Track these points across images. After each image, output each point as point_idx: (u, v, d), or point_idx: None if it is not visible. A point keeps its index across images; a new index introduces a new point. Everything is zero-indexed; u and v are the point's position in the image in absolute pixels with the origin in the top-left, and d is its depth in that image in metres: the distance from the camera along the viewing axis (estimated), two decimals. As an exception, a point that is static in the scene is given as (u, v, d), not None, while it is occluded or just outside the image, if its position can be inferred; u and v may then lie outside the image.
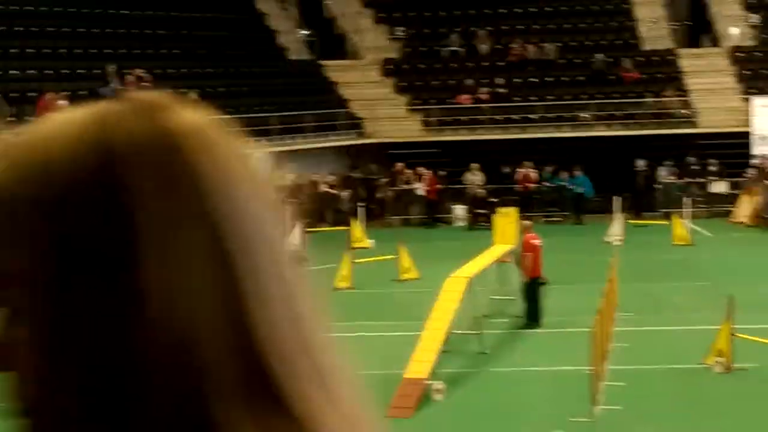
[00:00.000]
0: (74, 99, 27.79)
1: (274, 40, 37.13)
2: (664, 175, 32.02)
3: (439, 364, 15.27)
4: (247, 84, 33.90)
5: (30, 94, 28.05)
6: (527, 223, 19.59)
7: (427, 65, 36.86)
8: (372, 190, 32.50)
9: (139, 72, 30.90)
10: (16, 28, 30.88)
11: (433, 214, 31.90)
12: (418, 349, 15.24)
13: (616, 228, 27.78)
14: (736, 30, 36.68)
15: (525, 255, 18.26)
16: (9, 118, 24.83)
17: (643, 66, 35.89)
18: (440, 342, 15.56)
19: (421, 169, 32.25)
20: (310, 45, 37.82)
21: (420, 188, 32.04)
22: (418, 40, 37.79)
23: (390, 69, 36.64)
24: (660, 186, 31.89)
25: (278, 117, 32.03)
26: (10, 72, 29.57)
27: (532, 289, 18.41)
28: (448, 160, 33.06)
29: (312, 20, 38.62)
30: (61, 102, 23.10)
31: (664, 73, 35.57)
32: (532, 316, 18.41)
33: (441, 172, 32.36)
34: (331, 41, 38.08)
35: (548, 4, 38.14)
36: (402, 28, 37.72)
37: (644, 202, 31.88)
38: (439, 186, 31.92)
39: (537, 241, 18.41)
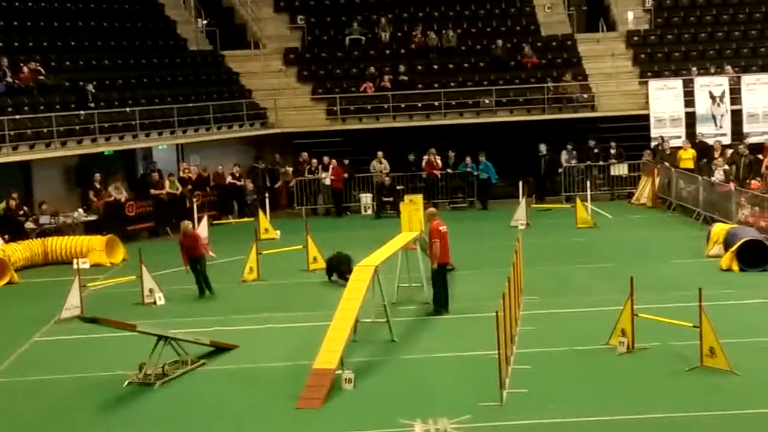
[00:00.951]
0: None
1: (173, 30, 36.66)
2: (566, 159, 32.40)
3: (348, 354, 15.24)
4: (147, 75, 33.43)
5: None
6: (432, 210, 19.53)
7: (330, 54, 36.74)
8: (276, 181, 32.29)
9: (34, 65, 30.27)
10: None
11: (340, 203, 31.80)
12: (326, 339, 15.17)
13: (521, 213, 28.04)
14: (631, 14, 37.32)
15: (433, 242, 18.26)
16: None
17: (543, 51, 36.30)
18: (348, 331, 15.51)
19: (327, 159, 32.18)
20: (210, 35, 37.39)
21: (326, 178, 31.95)
22: (320, 28, 37.68)
23: (292, 58, 36.50)
24: (562, 170, 32.25)
25: (181, 108, 31.72)
26: None
27: (440, 275, 18.44)
28: (353, 149, 33.06)
29: (211, 10, 38.25)
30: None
31: (563, 59, 36.01)
32: (440, 302, 18.44)
33: (346, 161, 32.30)
34: (231, 31, 37.77)
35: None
36: (302, 17, 37.54)
37: (548, 186, 32.30)
38: (345, 175, 31.85)
39: (443, 228, 18.40)
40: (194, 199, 29.80)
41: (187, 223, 21.46)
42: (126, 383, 15.12)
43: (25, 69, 30.08)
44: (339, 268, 21.10)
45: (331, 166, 31.70)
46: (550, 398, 13.74)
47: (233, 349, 16.78)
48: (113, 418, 13.97)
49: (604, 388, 14.21)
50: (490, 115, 33.60)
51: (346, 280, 18.03)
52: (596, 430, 12.72)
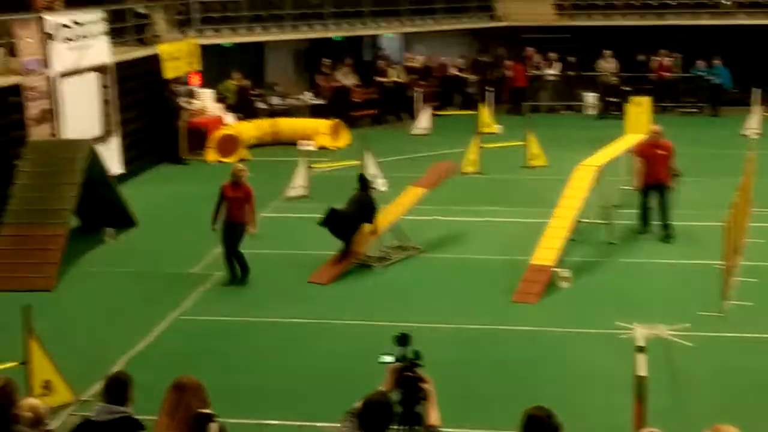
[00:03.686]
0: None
1: None
2: (811, 65, 30.71)
3: (565, 252, 15.23)
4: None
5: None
6: (655, 128, 17.85)
7: (563, -54, 35.83)
8: (501, 76, 31.95)
9: None
10: None
11: (520, 101, 31.32)
12: (544, 237, 15.20)
13: (754, 121, 26.93)
14: None
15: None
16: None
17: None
18: (568, 230, 15.48)
19: (553, 55, 31.71)
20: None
21: (550, 74, 31.58)
22: None
23: (524, -50, 35.77)
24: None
25: (407, -2, 31.81)
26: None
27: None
28: (580, 46, 32.31)
29: None
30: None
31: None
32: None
33: (571, 59, 31.73)
34: None
35: None
36: None
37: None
38: (570, 73, 31.36)
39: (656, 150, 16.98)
40: (418, 89, 30.03)
41: (240, 168, 15.39)
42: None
43: None
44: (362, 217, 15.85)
45: (555, 63, 31.29)
46: (774, 313, 13.40)
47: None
48: (335, 293, 14.54)
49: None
50: (728, 18, 32.08)
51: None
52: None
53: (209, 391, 6.55)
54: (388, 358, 6.54)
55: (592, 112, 30.83)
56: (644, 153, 16.94)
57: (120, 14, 23.52)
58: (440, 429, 6.49)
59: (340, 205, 15.84)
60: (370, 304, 14.02)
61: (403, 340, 6.57)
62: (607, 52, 31.29)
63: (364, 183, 16.19)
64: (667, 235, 16.80)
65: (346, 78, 29.43)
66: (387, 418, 6.03)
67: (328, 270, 15.24)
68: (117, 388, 6.66)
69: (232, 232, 14.70)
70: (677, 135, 18.52)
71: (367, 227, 15.61)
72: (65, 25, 19.53)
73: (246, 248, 15.30)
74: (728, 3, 32.17)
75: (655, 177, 16.70)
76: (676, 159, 17.11)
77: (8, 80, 17.93)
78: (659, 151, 16.69)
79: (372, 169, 20.77)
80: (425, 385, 6.48)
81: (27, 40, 18.41)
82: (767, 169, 20.63)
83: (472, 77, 31.88)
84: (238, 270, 14.84)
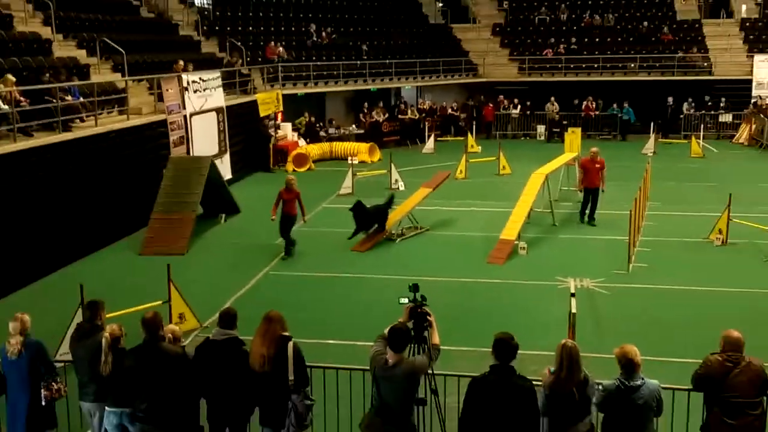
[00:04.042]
0: None
1: (420, 10, 36.33)
2: (687, 108, 30.37)
3: (523, 230, 15.18)
4: (402, 39, 33.37)
5: None
6: (594, 149, 17.00)
7: (523, 28, 35.47)
8: (480, 114, 31.77)
9: (330, 30, 30.74)
10: None
11: (489, 131, 30.99)
12: (509, 220, 15.16)
13: (651, 144, 26.69)
14: (745, 7, 34.20)
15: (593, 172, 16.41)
16: None
17: (676, 31, 33.75)
18: (525, 215, 15.44)
19: (516, 100, 31.54)
20: (444, 14, 36.82)
21: (514, 112, 31.38)
22: (517, 11, 36.37)
23: (497, 30, 35.47)
24: (683, 116, 30.29)
25: (421, 62, 31.63)
26: None
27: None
28: (534, 94, 32.05)
29: (446, -3, 37.68)
30: None
31: (691, 37, 33.38)
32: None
33: (528, 102, 31.49)
34: (458, 11, 37.01)
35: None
36: (506, 2, 36.37)
37: (671, 127, 30.41)
38: (527, 112, 31.12)
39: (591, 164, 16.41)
40: (426, 123, 29.88)
41: (291, 179, 14.46)
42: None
43: (323, 33, 30.73)
44: (377, 220, 15.57)
45: (517, 105, 31.09)
46: (662, 272, 13.26)
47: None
48: (369, 258, 14.54)
49: (702, 268, 13.54)
50: (633, 75, 31.74)
51: (380, 230, 15.52)
52: (693, 296, 12.18)
53: (288, 321, 6.58)
54: (405, 300, 6.53)
55: (541, 138, 30.59)
56: (585, 166, 16.66)
57: (231, 74, 23.59)
58: (439, 346, 6.49)
59: (372, 201, 15.84)
60: (393, 264, 14.02)
61: (414, 288, 6.56)
62: (552, 98, 31.08)
63: (390, 202, 15.98)
64: (593, 219, 16.65)
65: (378, 115, 29.41)
66: (406, 339, 6.02)
67: (365, 243, 15.25)
68: (228, 318, 6.66)
69: (286, 221, 14.38)
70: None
71: (377, 228, 15.50)
72: (195, 81, 19.63)
73: (311, 227, 15.34)
74: (633, 66, 31.85)
75: (591, 182, 16.53)
76: (605, 170, 16.84)
77: (158, 117, 18.04)
78: (596, 165, 16.46)
79: (395, 176, 20.80)
80: (430, 318, 6.48)
81: (170, 90, 18.49)
82: (658, 176, 20.56)
83: (462, 115, 31.71)
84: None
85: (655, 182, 19.28)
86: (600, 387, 5.88)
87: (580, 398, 5.73)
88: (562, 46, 33.38)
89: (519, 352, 5.77)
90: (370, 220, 15.37)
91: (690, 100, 30.60)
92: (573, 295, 8.50)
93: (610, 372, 6.15)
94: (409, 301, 6.49)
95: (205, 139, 20.06)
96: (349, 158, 23.85)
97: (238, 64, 24.75)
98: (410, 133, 29.90)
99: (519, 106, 31.49)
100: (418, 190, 17.25)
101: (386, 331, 6.09)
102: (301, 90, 27.91)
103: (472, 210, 18.34)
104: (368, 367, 6.11)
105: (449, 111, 31.76)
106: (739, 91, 30.58)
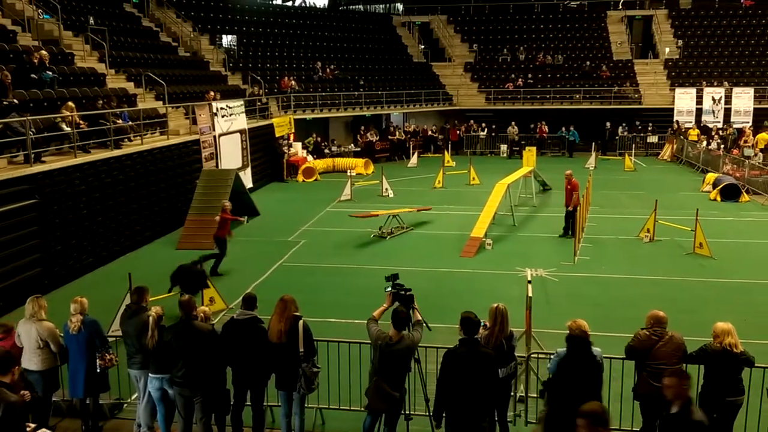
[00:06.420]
0: None
1: (405, 51, 36.30)
2: (621, 131, 30.50)
3: (489, 229, 15.18)
4: (391, 75, 33.35)
5: None
6: (568, 172, 15.53)
7: (489, 66, 35.48)
8: (453, 134, 31.74)
9: (333, 66, 30.64)
10: None
11: (458, 149, 30.92)
12: (478, 220, 15.16)
13: (592, 160, 26.72)
14: (668, 49, 34.34)
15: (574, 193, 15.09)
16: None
17: (613, 69, 33.84)
18: (491, 217, 15.44)
19: (483, 124, 31.58)
20: (425, 54, 36.82)
21: (482, 134, 31.42)
22: (484, 52, 36.38)
23: (468, 68, 35.48)
24: (618, 137, 30.39)
25: (407, 93, 31.59)
26: None
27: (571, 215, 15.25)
28: (498, 119, 32.09)
29: (427, 39, 37.55)
30: None
31: (624, 73, 33.50)
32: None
33: (493, 126, 31.54)
34: (436, 52, 37.01)
35: (558, 29, 36.14)
36: (476, 45, 36.37)
37: (609, 146, 30.52)
38: (493, 133, 31.18)
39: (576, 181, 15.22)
40: (411, 142, 29.83)
41: (225, 203, 12.92)
42: (372, 235, 15.61)
43: (327, 69, 30.65)
44: (186, 279, 10.44)
45: (485, 128, 31.06)
46: (602, 262, 13.29)
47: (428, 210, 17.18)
48: (364, 252, 14.51)
49: (634, 260, 13.58)
50: (578, 104, 31.82)
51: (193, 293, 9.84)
52: (626, 282, 12.19)
53: (299, 303, 6.57)
54: (389, 288, 6.51)
55: (504, 155, 30.60)
56: (565, 187, 15.18)
57: (252, 102, 23.49)
58: (422, 322, 6.48)
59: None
60: (384, 257, 13.97)
61: (393, 277, 6.52)
62: (513, 122, 31.11)
63: (198, 261, 11.25)
64: (566, 234, 15.00)
65: (372, 136, 29.33)
66: (406, 321, 6.06)
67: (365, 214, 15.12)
68: (249, 301, 6.63)
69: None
70: (550, 168, 18.37)
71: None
72: (222, 108, 19.54)
73: (316, 227, 15.25)
74: (578, 96, 31.94)
75: (566, 202, 15.22)
76: (578, 190, 15.29)
77: (193, 137, 17.96)
78: (568, 187, 15.22)
79: (385, 185, 20.76)
80: (413, 303, 6.47)
81: (202, 116, 18.43)
82: (598, 186, 20.60)
83: (439, 136, 31.68)
84: None
85: (595, 191, 19.36)
86: (554, 354, 5.93)
87: (507, 348, 6.08)
88: (520, 80, 33.41)
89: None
90: (186, 279, 10.49)
91: (624, 124, 30.74)
92: (530, 282, 8.50)
93: (559, 343, 6.16)
94: (391, 286, 6.47)
95: (231, 155, 19.96)
96: (348, 171, 23.82)
97: (258, 93, 24.66)
98: (398, 150, 29.85)
99: (486, 129, 31.47)
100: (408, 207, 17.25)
101: (375, 313, 6.12)
102: (309, 115, 27.81)
103: (448, 213, 18.36)
104: (363, 341, 6.10)
105: (429, 132, 31.72)
106: (663, 118, 30.74)
